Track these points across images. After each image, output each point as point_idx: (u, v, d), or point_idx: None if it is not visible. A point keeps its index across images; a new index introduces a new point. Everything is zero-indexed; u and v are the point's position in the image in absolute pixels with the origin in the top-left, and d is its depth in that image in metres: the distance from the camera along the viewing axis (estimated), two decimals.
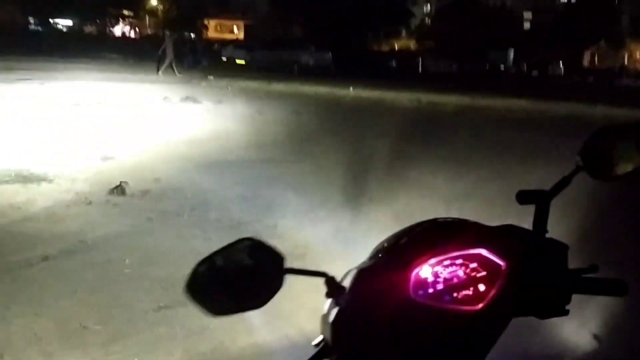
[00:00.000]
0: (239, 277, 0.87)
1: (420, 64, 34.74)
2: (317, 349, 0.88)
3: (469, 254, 0.86)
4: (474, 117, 12.90)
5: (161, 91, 13.24)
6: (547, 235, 0.97)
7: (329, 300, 0.89)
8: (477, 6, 40.49)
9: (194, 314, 2.16)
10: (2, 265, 3.46)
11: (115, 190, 5.16)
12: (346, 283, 0.89)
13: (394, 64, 33.08)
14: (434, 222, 0.97)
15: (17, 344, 2.57)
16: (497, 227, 0.96)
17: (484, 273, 0.85)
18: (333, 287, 0.88)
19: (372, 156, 7.21)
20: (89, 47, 27.45)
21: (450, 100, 15.75)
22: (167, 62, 19.61)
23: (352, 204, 5.11)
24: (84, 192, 5.12)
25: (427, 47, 40.04)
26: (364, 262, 0.91)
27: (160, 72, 19.08)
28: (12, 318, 2.81)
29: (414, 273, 0.84)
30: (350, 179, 6.06)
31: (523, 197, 1.00)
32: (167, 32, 23.77)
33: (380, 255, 0.91)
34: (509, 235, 0.94)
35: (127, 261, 3.64)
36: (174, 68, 19.73)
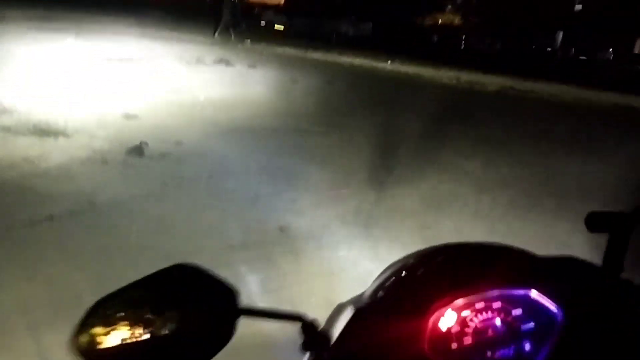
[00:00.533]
0: (167, 323, 0.61)
1: (463, 40, 33.84)
2: None
3: (511, 295, 0.59)
4: (514, 100, 12.39)
5: (195, 52, 13.04)
6: (623, 275, 0.70)
7: (307, 354, 0.64)
8: None
9: None
10: (5, 222, 3.32)
11: (133, 151, 5.00)
12: (332, 329, 0.63)
13: (435, 39, 32.28)
14: (463, 247, 0.69)
15: (3, 313, 2.41)
16: (553, 258, 0.68)
17: (531, 324, 0.58)
18: (313, 336, 0.63)
19: (401, 133, 6.92)
20: (131, 2, 27.35)
21: (491, 80, 15.18)
22: (222, 23, 19.38)
23: (377, 183, 4.86)
24: (101, 150, 4.97)
25: (471, 24, 38.88)
26: (359, 299, 0.64)
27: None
28: (3, 282, 2.65)
29: (432, 319, 0.57)
30: (377, 155, 5.80)
31: (594, 222, 0.72)
32: None
33: (384, 290, 0.63)
34: (569, 272, 0.65)
35: (134, 228, 3.46)
36: (231, 31, 19.43)
